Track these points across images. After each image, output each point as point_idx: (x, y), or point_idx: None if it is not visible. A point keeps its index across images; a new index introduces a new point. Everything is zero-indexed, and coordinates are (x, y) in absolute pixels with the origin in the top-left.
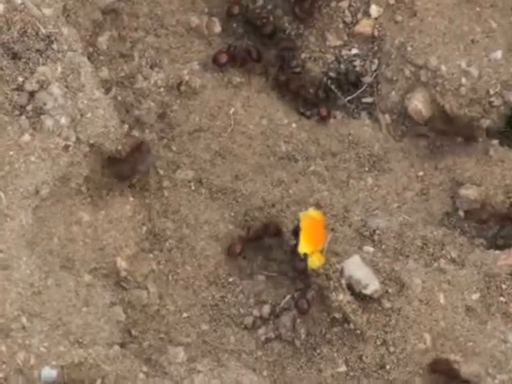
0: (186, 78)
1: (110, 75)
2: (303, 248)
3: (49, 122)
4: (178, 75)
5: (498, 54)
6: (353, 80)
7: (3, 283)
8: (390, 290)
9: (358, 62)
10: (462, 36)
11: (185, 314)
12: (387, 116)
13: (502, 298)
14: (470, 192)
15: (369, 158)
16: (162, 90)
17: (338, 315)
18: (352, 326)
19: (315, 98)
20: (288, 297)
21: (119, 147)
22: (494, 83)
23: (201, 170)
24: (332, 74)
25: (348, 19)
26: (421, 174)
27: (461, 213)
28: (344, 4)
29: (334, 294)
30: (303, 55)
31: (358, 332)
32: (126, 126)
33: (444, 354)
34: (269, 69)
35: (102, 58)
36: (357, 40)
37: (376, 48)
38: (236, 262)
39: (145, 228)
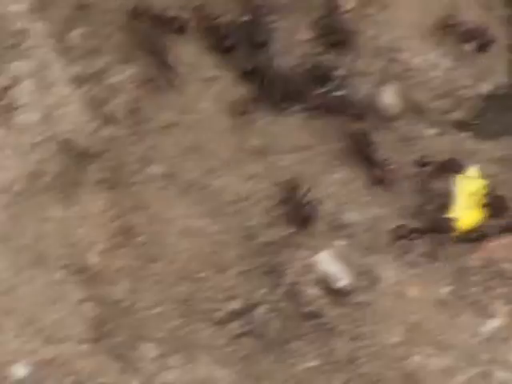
0: (157, 73)
1: (81, 71)
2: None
3: (21, 118)
4: (149, 70)
5: (470, 46)
6: (324, 74)
7: None
8: (362, 284)
9: (329, 56)
10: (434, 29)
11: (156, 310)
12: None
13: (473, 291)
14: (440, 186)
15: (341, 152)
16: (133, 85)
17: (310, 309)
18: (324, 320)
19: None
20: (260, 291)
21: (90, 143)
22: (466, 75)
23: (172, 165)
24: (303, 67)
25: (319, 13)
26: (393, 166)
27: (432, 206)
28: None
29: (305, 288)
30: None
31: (330, 326)
32: (98, 122)
33: (416, 348)
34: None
35: (73, 53)
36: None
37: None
38: None
39: (116, 223)
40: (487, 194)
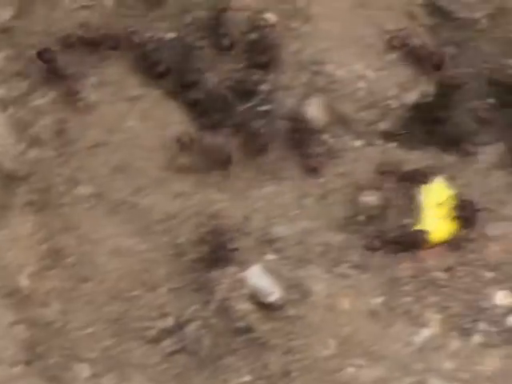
0: (83, 93)
1: (5, 94)
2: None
3: None
4: (74, 91)
5: (394, 57)
6: (249, 89)
7: None
8: (293, 298)
9: (253, 71)
10: (357, 40)
11: (88, 330)
12: (285, 123)
13: (405, 301)
14: (369, 197)
15: (268, 166)
16: (58, 106)
17: (241, 325)
18: (256, 335)
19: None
20: (192, 308)
21: (17, 166)
22: (391, 86)
23: (100, 185)
24: (228, 83)
25: (243, 28)
26: (321, 180)
27: (361, 217)
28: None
29: (236, 303)
30: (200, 65)
31: (263, 341)
32: (24, 144)
33: (348, 360)
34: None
35: None
36: None
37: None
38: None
39: (45, 245)
40: (458, 205)
